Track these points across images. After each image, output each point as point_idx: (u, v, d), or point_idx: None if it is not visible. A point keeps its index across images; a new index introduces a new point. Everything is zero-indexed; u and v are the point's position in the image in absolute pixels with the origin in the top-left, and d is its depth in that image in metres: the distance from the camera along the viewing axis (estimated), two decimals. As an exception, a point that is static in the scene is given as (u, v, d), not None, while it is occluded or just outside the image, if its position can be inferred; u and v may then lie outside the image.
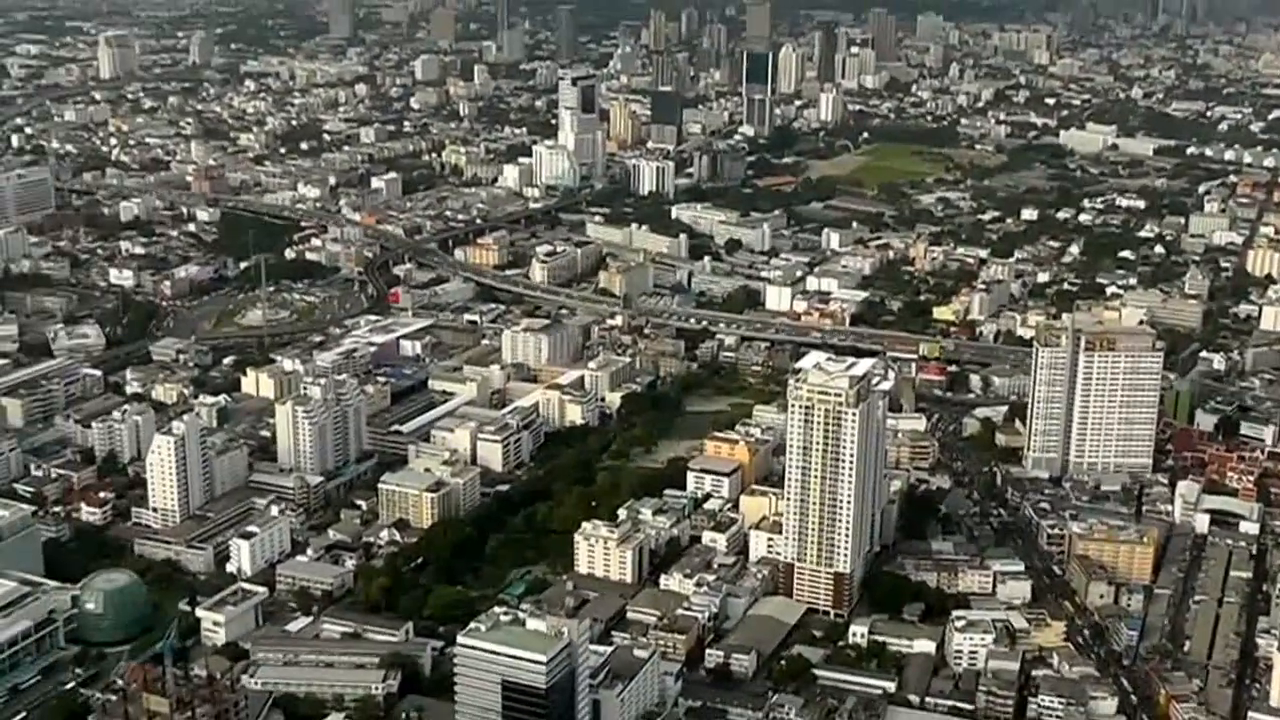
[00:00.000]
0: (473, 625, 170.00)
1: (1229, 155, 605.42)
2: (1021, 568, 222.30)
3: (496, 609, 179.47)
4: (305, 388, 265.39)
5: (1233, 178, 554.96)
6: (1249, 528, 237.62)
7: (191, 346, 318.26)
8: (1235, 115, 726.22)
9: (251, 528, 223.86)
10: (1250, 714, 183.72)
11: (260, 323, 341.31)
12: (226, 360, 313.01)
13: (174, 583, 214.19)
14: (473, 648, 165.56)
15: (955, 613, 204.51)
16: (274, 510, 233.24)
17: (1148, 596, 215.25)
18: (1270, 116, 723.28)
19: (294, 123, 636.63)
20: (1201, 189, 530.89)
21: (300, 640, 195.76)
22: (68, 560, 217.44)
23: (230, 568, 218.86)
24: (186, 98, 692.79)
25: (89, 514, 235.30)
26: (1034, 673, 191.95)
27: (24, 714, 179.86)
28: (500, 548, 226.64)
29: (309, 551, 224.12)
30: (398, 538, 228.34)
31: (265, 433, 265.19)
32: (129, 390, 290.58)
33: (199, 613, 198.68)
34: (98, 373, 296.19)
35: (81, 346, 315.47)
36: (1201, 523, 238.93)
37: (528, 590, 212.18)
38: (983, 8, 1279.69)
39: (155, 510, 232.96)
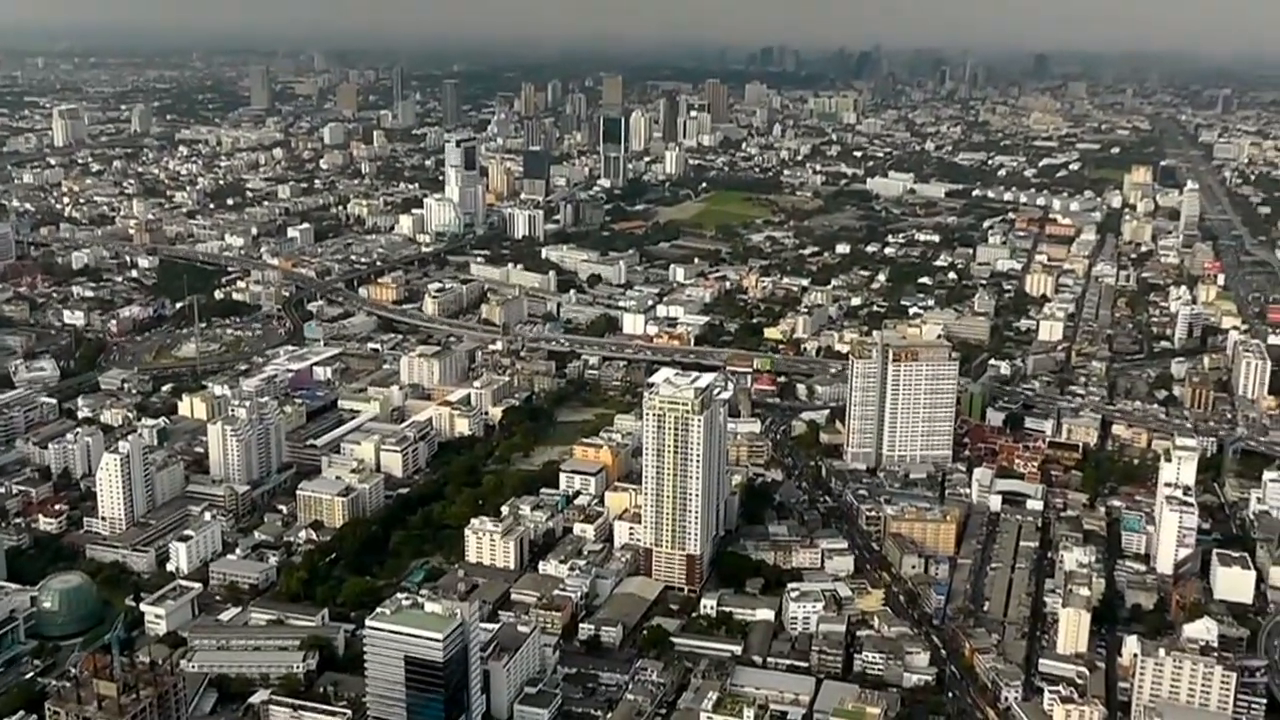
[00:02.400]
0: (379, 610, 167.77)
1: (1008, 196, 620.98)
2: (845, 545, 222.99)
3: (399, 595, 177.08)
4: (233, 410, 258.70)
5: (1011, 215, 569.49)
6: (1034, 505, 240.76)
7: (135, 376, 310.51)
8: (1012, 163, 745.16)
9: (188, 531, 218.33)
10: (1041, 660, 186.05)
11: (194, 354, 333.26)
12: (165, 387, 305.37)
13: (121, 582, 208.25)
14: (379, 629, 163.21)
15: (790, 585, 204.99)
16: (207, 516, 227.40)
17: (952, 566, 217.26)
18: (1041, 164, 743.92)
19: (221, 182, 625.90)
20: (986, 225, 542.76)
21: (231, 628, 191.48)
22: (27, 565, 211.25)
23: (170, 567, 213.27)
24: (129, 161, 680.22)
25: (46, 524, 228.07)
26: (858, 633, 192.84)
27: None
28: (402, 542, 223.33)
29: (238, 551, 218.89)
30: (314, 537, 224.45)
31: (199, 449, 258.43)
32: (81, 415, 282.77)
33: (143, 607, 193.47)
34: (53, 401, 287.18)
35: (39, 379, 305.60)
36: (995, 502, 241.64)
37: (426, 578, 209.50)
38: (800, 77, 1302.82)
39: (104, 519, 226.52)
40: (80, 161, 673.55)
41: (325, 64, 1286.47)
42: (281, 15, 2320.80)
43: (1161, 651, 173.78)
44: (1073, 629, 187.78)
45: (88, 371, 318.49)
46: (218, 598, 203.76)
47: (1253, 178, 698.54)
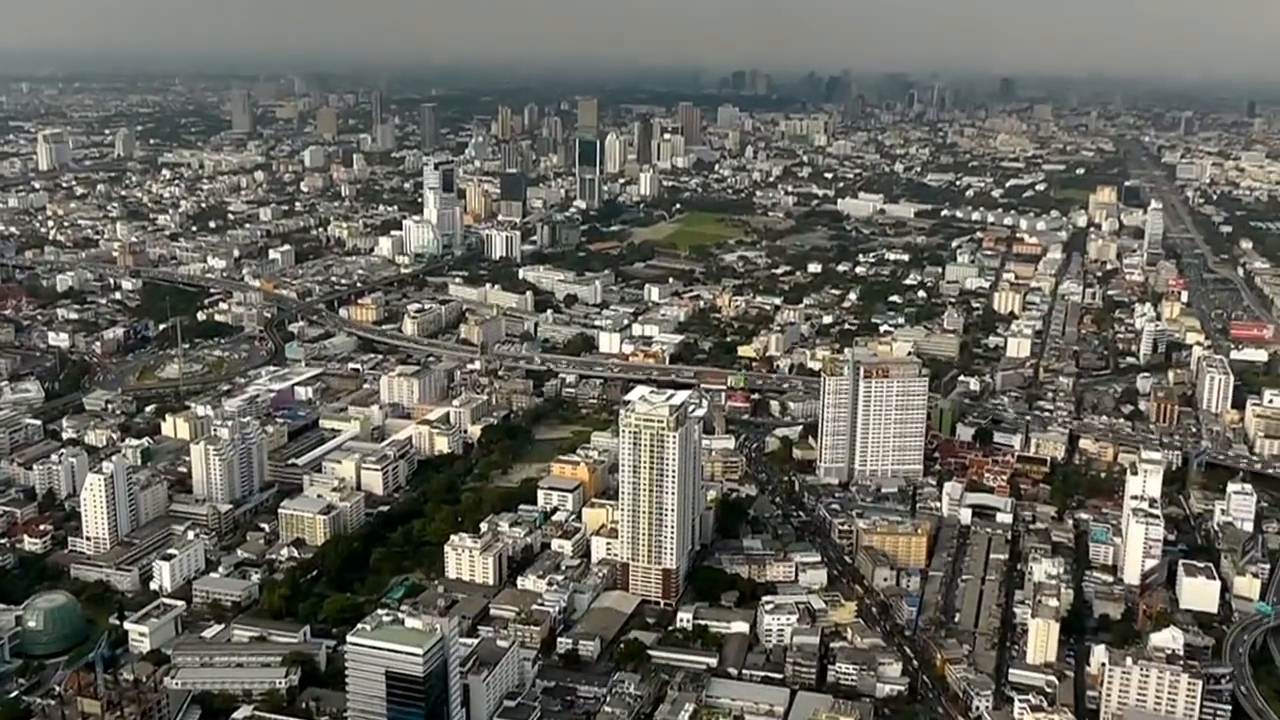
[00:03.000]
0: (360, 625, 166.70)
1: (975, 216, 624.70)
2: (818, 558, 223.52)
3: (380, 611, 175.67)
4: (215, 429, 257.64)
5: (979, 234, 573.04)
6: (1004, 518, 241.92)
7: (119, 397, 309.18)
8: (979, 184, 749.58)
9: (171, 550, 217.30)
10: (1011, 670, 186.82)
11: (177, 375, 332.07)
12: (149, 408, 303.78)
13: (105, 600, 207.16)
14: (360, 645, 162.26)
15: (764, 598, 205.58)
16: (190, 535, 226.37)
17: (923, 578, 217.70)
18: (1008, 184, 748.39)
19: (203, 205, 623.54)
20: (954, 244, 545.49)
21: (214, 645, 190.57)
22: (12, 585, 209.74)
23: (153, 585, 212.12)
24: (112, 185, 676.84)
25: (31, 544, 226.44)
26: (832, 645, 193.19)
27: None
28: (382, 559, 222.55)
29: (220, 569, 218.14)
30: (296, 554, 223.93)
31: (182, 469, 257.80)
32: (65, 436, 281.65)
33: (127, 625, 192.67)
34: (38, 422, 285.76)
35: (24, 400, 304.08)
36: (965, 516, 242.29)
37: (406, 594, 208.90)
38: (771, 100, 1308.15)
39: (88, 539, 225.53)
40: (64, 185, 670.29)
41: (305, 88, 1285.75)
42: (262, 40, 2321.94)
43: (1129, 660, 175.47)
44: (1042, 639, 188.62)
45: (72, 393, 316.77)
46: (201, 616, 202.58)
47: (1214, 197, 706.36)
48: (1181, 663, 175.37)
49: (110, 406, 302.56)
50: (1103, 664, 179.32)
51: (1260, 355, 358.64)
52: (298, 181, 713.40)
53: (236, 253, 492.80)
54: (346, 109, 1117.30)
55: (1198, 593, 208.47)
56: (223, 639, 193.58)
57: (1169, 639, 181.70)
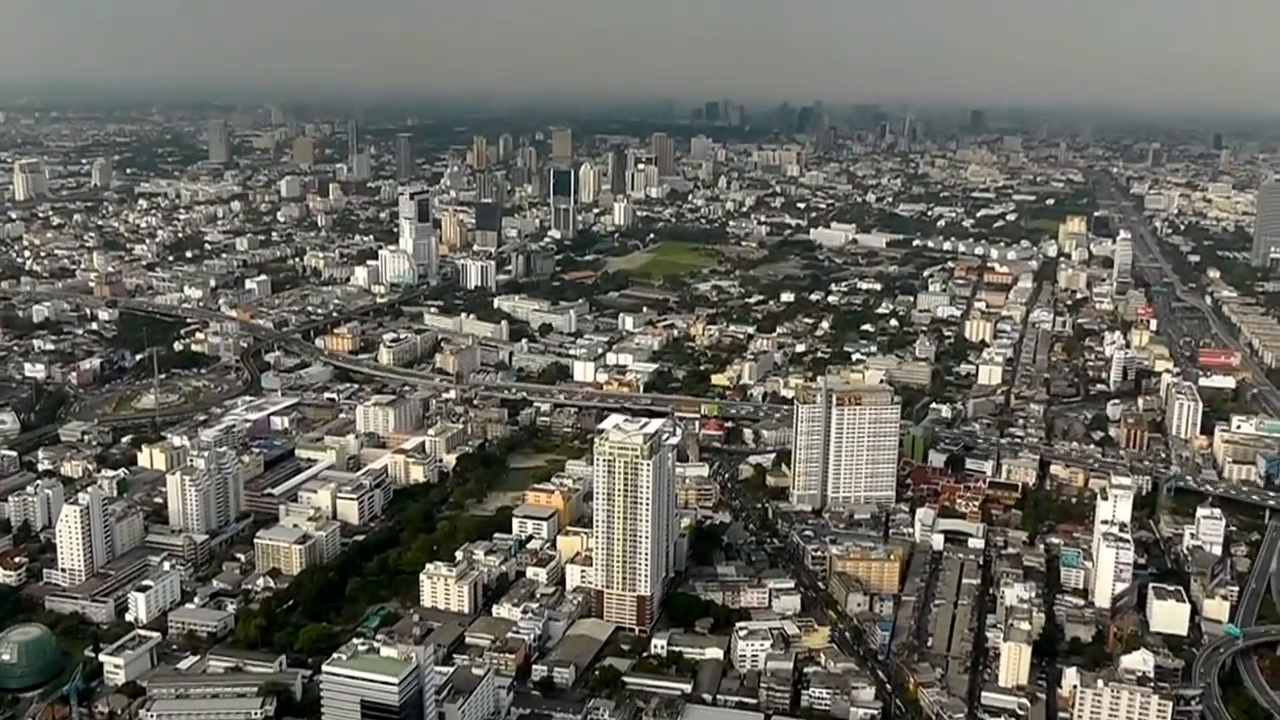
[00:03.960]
0: (335, 655, 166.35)
1: (947, 246, 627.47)
2: (792, 584, 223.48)
3: (355, 640, 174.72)
4: (192, 460, 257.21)
5: (951, 264, 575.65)
6: (976, 544, 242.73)
7: (95, 428, 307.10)
8: (950, 214, 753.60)
9: (147, 581, 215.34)
10: (983, 693, 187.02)
11: (153, 405, 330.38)
12: (125, 439, 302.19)
13: (80, 633, 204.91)
14: (336, 674, 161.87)
15: (738, 624, 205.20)
16: (166, 566, 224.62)
17: (896, 603, 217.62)
18: (979, 214, 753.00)
19: (180, 235, 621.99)
20: (926, 273, 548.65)
21: (190, 676, 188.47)
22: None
23: (129, 617, 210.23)
24: (89, 215, 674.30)
25: (5, 576, 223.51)
26: (805, 670, 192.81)
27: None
28: (358, 589, 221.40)
29: (196, 599, 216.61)
30: (271, 584, 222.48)
31: (158, 499, 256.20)
32: (41, 467, 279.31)
33: (102, 657, 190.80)
34: (13, 454, 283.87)
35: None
36: (938, 541, 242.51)
37: (381, 623, 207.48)
38: (744, 131, 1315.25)
39: (64, 570, 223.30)
40: (41, 215, 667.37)
41: (282, 118, 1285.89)
42: (239, 70, 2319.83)
43: (1100, 682, 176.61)
44: (1014, 662, 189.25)
45: (48, 424, 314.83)
46: (175, 647, 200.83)
47: (1182, 227, 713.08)
48: (1152, 684, 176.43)
49: (86, 437, 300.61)
50: (1074, 686, 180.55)
51: (1228, 382, 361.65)
52: (274, 211, 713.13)
53: (213, 283, 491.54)
54: (323, 139, 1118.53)
55: (1168, 615, 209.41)
56: (198, 670, 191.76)
57: (1140, 661, 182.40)
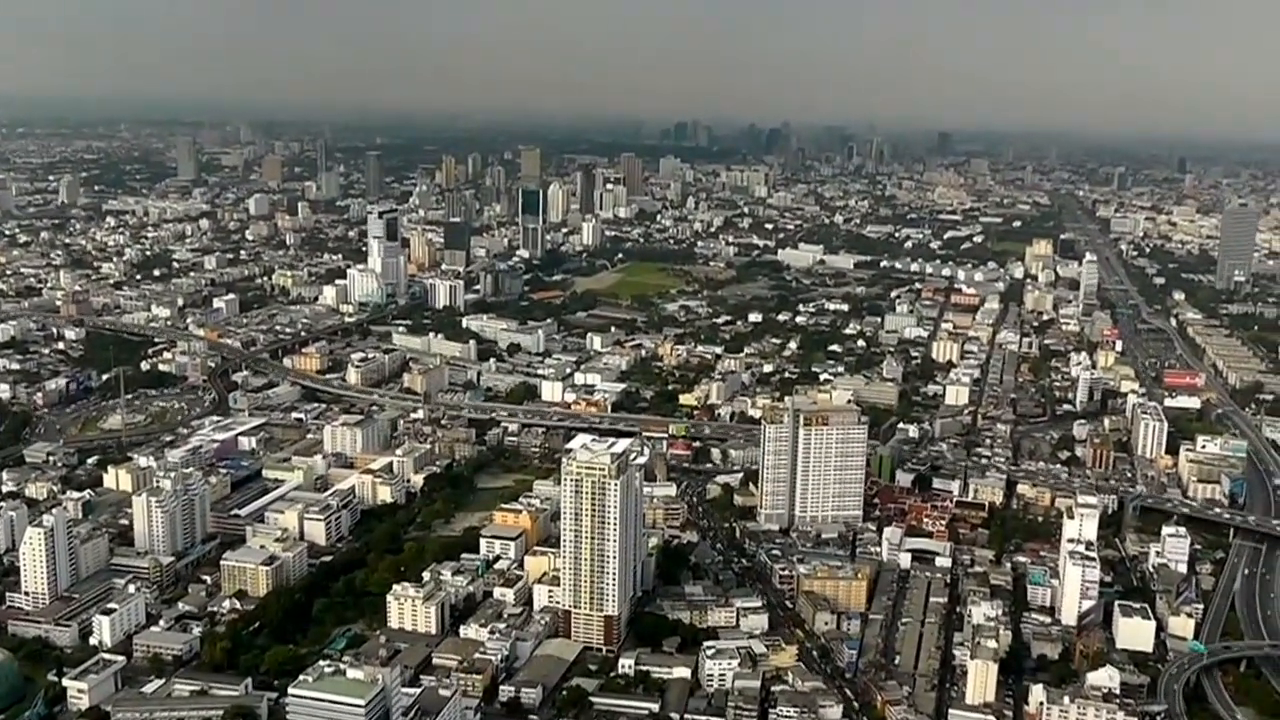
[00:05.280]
0: (302, 677, 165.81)
1: (914, 267, 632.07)
2: (759, 604, 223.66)
3: (321, 662, 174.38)
4: (158, 481, 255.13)
5: (918, 285, 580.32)
6: (943, 562, 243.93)
7: (60, 449, 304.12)
8: (917, 235, 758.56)
9: (111, 604, 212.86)
10: (951, 711, 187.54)
11: (120, 426, 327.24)
12: (91, 460, 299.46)
13: (44, 657, 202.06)
14: (302, 696, 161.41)
15: (706, 643, 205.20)
16: (131, 588, 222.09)
17: (864, 622, 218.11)
18: (945, 236, 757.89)
19: (148, 253, 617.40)
20: (893, 294, 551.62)
21: (155, 700, 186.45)
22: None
23: (93, 640, 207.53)
24: (56, 233, 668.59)
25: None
26: (773, 689, 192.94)
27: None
28: (324, 610, 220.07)
29: (161, 622, 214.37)
30: (238, 606, 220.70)
31: (124, 521, 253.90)
32: (4, 489, 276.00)
33: (65, 682, 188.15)
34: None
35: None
36: (905, 560, 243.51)
37: (348, 645, 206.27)
38: (712, 152, 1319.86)
39: (27, 594, 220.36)
40: (7, 233, 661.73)
41: (251, 135, 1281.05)
42: (207, 87, 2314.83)
43: (1066, 699, 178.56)
44: (981, 679, 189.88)
45: (13, 445, 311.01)
46: (141, 670, 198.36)
47: (1147, 250, 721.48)
48: (1117, 701, 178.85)
49: (51, 458, 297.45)
50: (1041, 703, 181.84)
51: (1193, 402, 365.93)
52: (243, 229, 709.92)
53: (181, 301, 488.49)
54: (292, 157, 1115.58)
55: (1133, 632, 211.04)
56: (163, 694, 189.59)
57: (1105, 678, 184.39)
